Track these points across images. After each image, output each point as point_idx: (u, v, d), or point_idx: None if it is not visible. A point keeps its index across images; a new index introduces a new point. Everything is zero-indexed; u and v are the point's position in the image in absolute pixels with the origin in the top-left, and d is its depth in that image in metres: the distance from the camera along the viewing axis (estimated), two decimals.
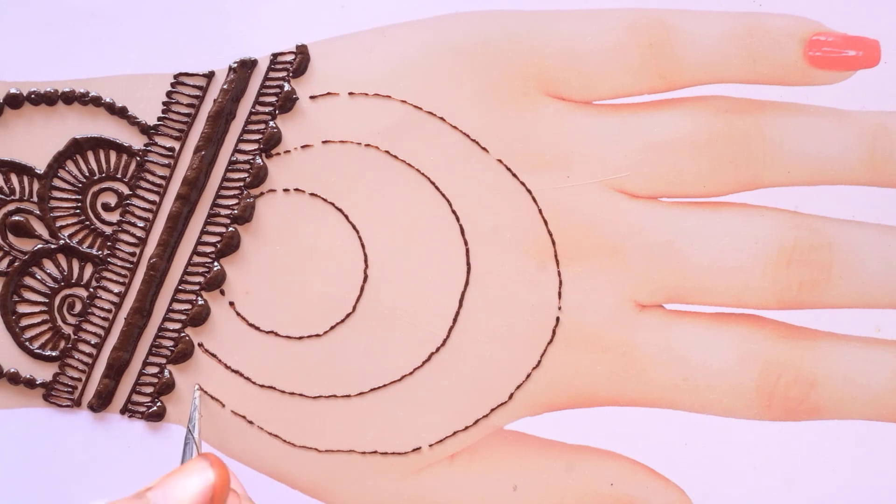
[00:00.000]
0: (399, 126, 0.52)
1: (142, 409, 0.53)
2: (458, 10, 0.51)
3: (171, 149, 0.52)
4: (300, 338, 0.52)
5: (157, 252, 0.52)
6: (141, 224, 0.52)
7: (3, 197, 0.53)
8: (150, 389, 0.53)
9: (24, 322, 0.53)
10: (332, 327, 0.52)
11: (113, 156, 0.52)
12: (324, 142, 0.52)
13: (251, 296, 0.52)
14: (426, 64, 0.51)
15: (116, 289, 0.53)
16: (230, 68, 0.52)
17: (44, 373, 0.53)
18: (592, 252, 0.52)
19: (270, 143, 0.52)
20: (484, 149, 0.52)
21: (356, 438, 0.52)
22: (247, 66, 0.52)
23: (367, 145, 0.52)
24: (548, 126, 0.52)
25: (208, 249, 0.52)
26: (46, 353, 0.53)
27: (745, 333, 0.52)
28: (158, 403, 0.53)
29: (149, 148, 0.52)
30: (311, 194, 0.52)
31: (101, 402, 0.53)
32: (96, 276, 0.53)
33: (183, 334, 0.53)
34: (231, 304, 0.52)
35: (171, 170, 0.52)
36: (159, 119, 0.52)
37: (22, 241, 0.53)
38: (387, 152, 0.52)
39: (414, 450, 0.52)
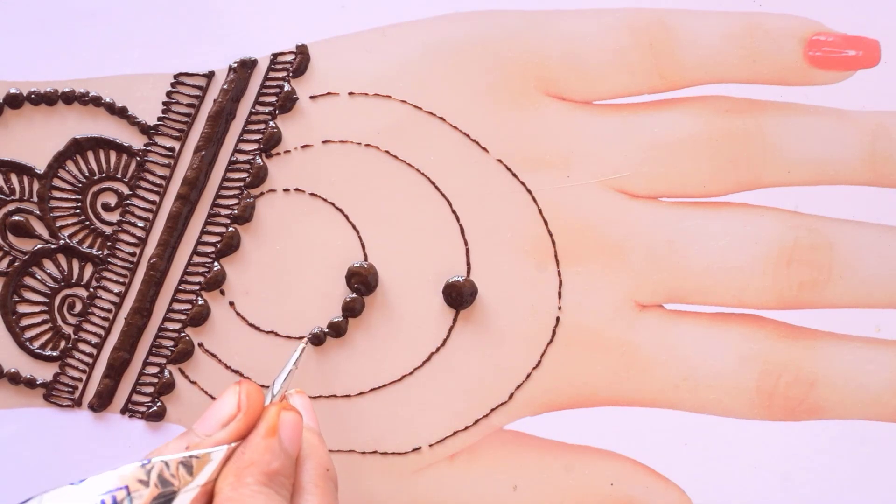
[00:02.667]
0: (399, 126, 0.52)
1: (142, 408, 0.53)
2: (458, 10, 0.51)
3: (171, 149, 0.52)
4: (300, 338, 0.52)
5: (157, 252, 0.52)
6: (141, 224, 0.52)
7: (3, 197, 0.53)
8: (150, 389, 0.53)
9: (25, 322, 0.53)
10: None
11: (113, 156, 0.52)
12: (324, 142, 0.52)
13: (251, 296, 0.52)
14: (426, 64, 0.51)
15: (116, 289, 0.53)
16: (230, 68, 0.52)
17: (44, 373, 0.53)
18: (592, 252, 0.52)
19: (270, 143, 0.52)
20: (484, 149, 0.52)
21: (356, 438, 0.52)
22: (247, 66, 0.52)
23: (367, 145, 0.52)
24: (548, 126, 0.52)
25: (208, 249, 0.52)
26: (47, 353, 0.53)
27: (745, 333, 0.52)
28: (158, 403, 0.53)
29: (149, 148, 0.52)
30: (311, 194, 0.52)
31: (101, 402, 0.53)
32: (96, 276, 0.53)
33: (183, 334, 0.53)
34: (231, 304, 0.52)
35: (171, 170, 0.52)
36: (159, 119, 0.52)
37: (22, 241, 0.53)
38: (387, 152, 0.52)
39: (414, 450, 0.52)
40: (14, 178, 0.53)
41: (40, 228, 0.53)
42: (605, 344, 0.52)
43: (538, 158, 0.52)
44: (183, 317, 0.53)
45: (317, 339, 0.52)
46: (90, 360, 0.53)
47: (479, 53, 0.51)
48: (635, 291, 0.52)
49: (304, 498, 0.43)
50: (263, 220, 0.52)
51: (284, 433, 0.44)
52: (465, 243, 0.52)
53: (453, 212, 0.52)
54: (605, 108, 0.52)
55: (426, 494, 0.53)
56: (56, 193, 0.53)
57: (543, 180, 0.52)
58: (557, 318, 0.52)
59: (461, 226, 0.52)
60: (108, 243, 0.53)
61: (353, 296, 0.52)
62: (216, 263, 0.52)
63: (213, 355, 0.53)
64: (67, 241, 0.53)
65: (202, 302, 0.52)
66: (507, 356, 0.52)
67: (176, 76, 0.52)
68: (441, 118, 0.52)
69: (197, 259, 0.52)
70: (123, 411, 0.53)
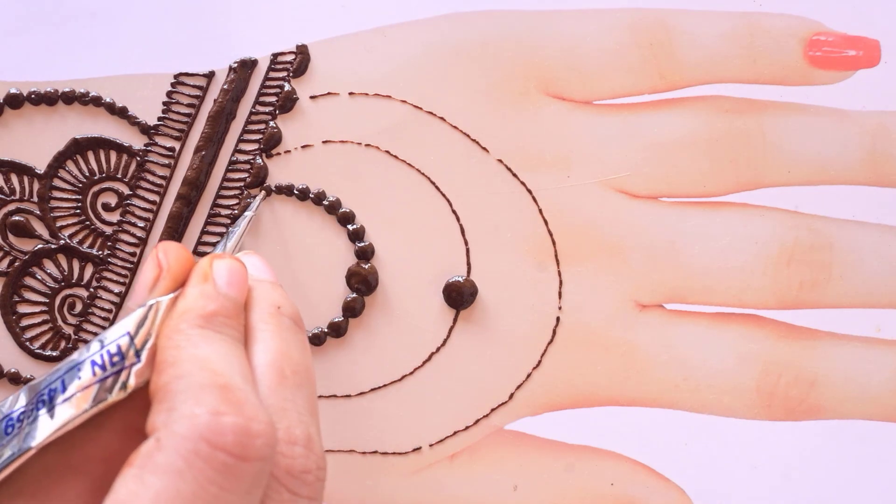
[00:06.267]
0: (399, 126, 0.52)
1: None
2: (458, 10, 0.51)
3: (172, 149, 0.52)
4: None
5: None
6: (141, 224, 0.52)
7: (3, 197, 0.53)
8: None
9: (25, 322, 0.53)
10: None
11: (113, 156, 0.52)
12: (324, 142, 0.52)
13: None
14: (426, 64, 0.51)
15: (117, 289, 0.53)
16: (230, 68, 0.52)
17: (44, 373, 0.53)
18: (593, 252, 0.52)
19: (271, 143, 0.52)
20: (484, 149, 0.52)
21: (356, 438, 0.52)
22: (247, 66, 0.52)
23: (368, 145, 0.52)
24: (548, 126, 0.52)
25: (208, 249, 0.52)
26: (47, 354, 0.53)
27: (745, 333, 0.52)
28: None
29: (149, 148, 0.52)
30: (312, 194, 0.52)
31: None
32: (97, 276, 0.53)
33: None
34: None
35: (171, 170, 0.52)
36: (159, 119, 0.52)
37: (22, 241, 0.53)
38: (387, 152, 0.52)
39: (414, 450, 0.52)
40: (14, 178, 0.53)
41: (40, 228, 0.53)
42: (605, 344, 0.52)
43: (538, 158, 0.52)
44: None
45: (317, 339, 0.52)
46: None
47: (479, 53, 0.51)
48: (635, 291, 0.52)
49: (254, 338, 0.40)
50: (263, 220, 0.52)
51: (220, 277, 0.41)
52: (466, 243, 0.52)
53: (453, 212, 0.52)
54: (605, 108, 0.52)
55: (426, 494, 0.53)
56: (56, 193, 0.53)
57: (543, 180, 0.52)
58: (557, 318, 0.52)
59: (461, 226, 0.52)
60: (109, 243, 0.53)
61: (353, 296, 0.52)
62: None
63: None
64: (67, 241, 0.53)
65: None
66: (507, 356, 0.52)
67: (176, 76, 0.52)
68: (441, 118, 0.52)
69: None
70: None
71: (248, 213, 0.50)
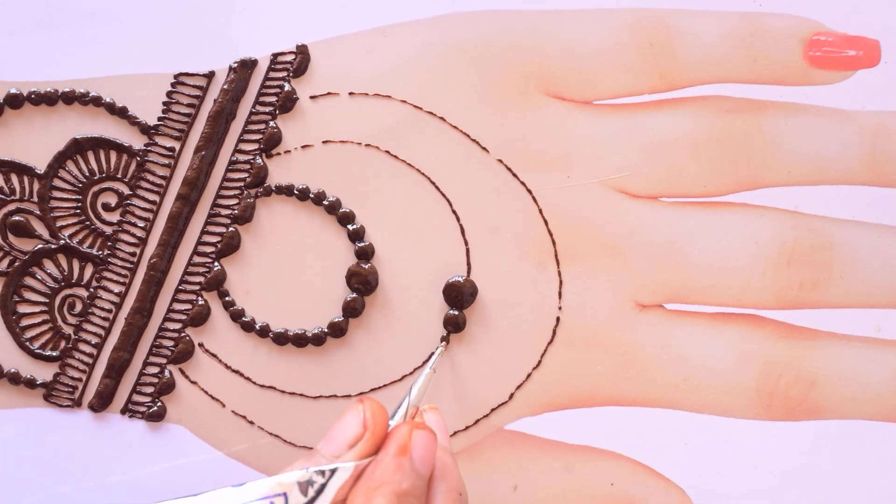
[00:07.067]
0: (399, 126, 0.52)
1: (142, 409, 0.53)
2: (458, 10, 0.51)
3: (172, 149, 0.52)
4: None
5: (158, 252, 0.52)
6: (141, 224, 0.52)
7: (3, 197, 0.53)
8: (150, 389, 0.53)
9: (25, 322, 0.53)
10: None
11: (113, 156, 0.52)
12: (324, 142, 0.52)
13: (251, 296, 0.52)
14: (426, 64, 0.52)
15: (117, 289, 0.53)
16: (230, 68, 0.52)
17: (44, 373, 0.53)
18: (592, 252, 0.52)
19: (271, 143, 0.52)
20: (484, 149, 0.52)
21: None
22: (247, 66, 0.52)
23: (368, 145, 0.52)
24: (548, 126, 0.52)
25: (208, 249, 0.52)
26: (47, 353, 0.53)
27: (745, 333, 0.52)
28: (159, 403, 0.53)
29: (149, 148, 0.52)
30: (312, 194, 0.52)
31: (101, 402, 0.53)
32: (96, 276, 0.53)
33: (183, 334, 0.53)
34: (232, 304, 0.52)
35: (171, 170, 0.52)
36: (159, 119, 0.52)
37: (22, 241, 0.53)
38: (387, 152, 0.52)
39: None
40: (14, 178, 0.53)
41: (40, 228, 0.53)
42: (605, 344, 0.52)
43: (538, 158, 0.52)
44: (183, 317, 0.53)
45: (317, 340, 0.52)
46: (90, 360, 0.53)
47: (479, 53, 0.51)
48: (635, 291, 0.52)
49: None
50: (264, 220, 0.52)
51: (416, 453, 0.43)
52: (466, 243, 0.52)
53: (453, 212, 0.52)
54: (605, 108, 0.52)
55: None
56: (56, 193, 0.53)
57: (543, 180, 0.52)
58: (557, 318, 0.52)
59: (461, 226, 0.52)
60: (109, 243, 0.53)
61: (353, 296, 0.52)
62: (216, 263, 0.52)
63: (214, 355, 0.53)
64: (67, 241, 0.53)
65: (202, 302, 0.52)
66: (507, 356, 0.52)
67: (176, 76, 0.52)
68: (441, 118, 0.52)
69: (197, 259, 0.52)
70: (123, 411, 0.53)
71: (428, 369, 0.49)
